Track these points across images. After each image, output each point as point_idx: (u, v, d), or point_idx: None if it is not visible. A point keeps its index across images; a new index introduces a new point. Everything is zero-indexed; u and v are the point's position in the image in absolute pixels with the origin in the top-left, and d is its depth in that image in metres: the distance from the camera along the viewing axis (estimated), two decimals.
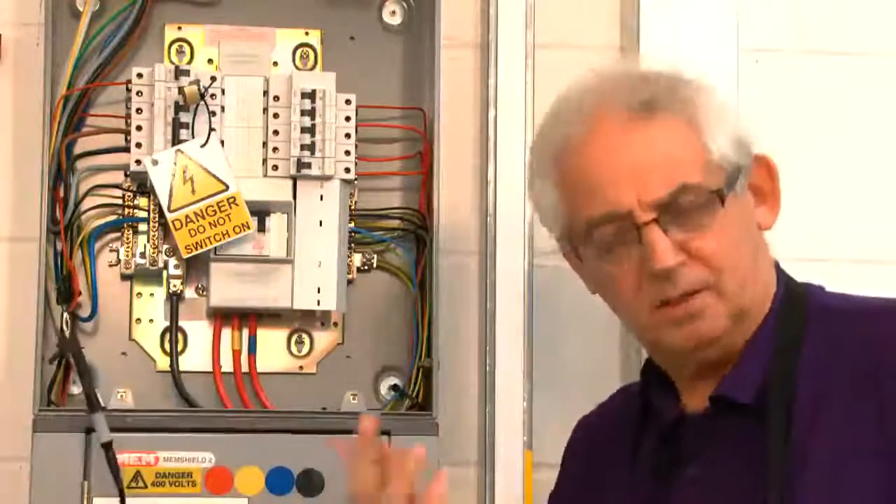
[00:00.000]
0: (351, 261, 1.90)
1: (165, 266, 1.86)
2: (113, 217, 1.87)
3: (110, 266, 1.88)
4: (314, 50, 1.94)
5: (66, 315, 1.83)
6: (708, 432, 1.47)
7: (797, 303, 1.48)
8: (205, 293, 1.87)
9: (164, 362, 1.87)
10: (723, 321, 1.44)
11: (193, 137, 1.83)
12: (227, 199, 1.82)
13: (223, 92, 1.85)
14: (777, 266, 1.52)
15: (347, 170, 1.86)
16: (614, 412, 1.66)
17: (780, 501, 1.37)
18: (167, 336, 1.88)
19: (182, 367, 1.86)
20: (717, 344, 1.45)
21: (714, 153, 1.45)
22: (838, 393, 1.40)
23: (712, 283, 1.43)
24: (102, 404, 1.78)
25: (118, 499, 1.75)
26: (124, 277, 1.88)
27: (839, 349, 1.43)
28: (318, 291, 1.85)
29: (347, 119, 1.86)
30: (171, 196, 1.82)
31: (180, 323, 1.87)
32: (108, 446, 1.75)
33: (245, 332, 1.88)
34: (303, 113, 1.84)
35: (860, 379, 1.40)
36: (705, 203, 1.43)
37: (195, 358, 1.88)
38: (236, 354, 1.88)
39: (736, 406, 1.45)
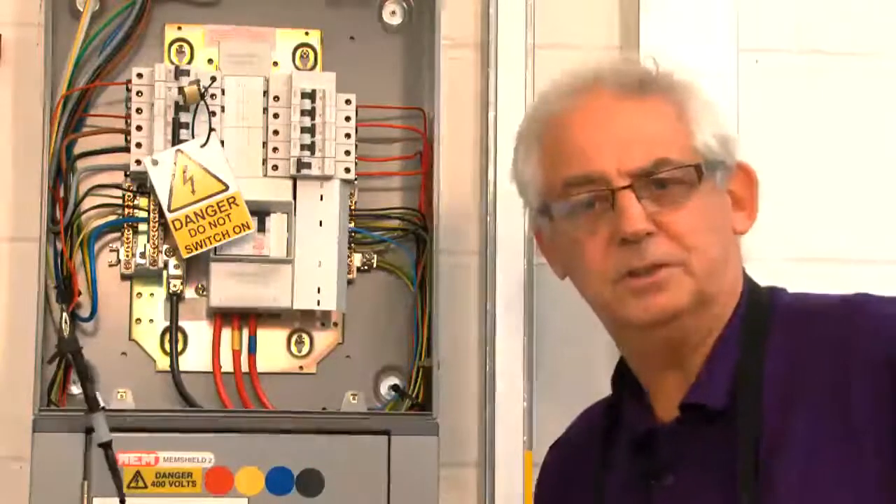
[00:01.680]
0: (351, 261, 1.90)
1: (165, 266, 1.86)
2: (113, 217, 1.87)
3: (110, 266, 1.88)
4: (314, 50, 1.94)
5: (65, 315, 1.82)
6: (682, 440, 1.47)
7: (761, 305, 1.49)
8: (205, 293, 1.87)
9: (164, 362, 1.87)
10: (685, 296, 1.44)
11: (193, 137, 1.83)
12: (227, 199, 1.82)
13: (223, 92, 1.85)
14: (743, 271, 1.53)
15: (347, 170, 1.86)
16: (582, 432, 1.67)
17: None
18: (167, 336, 1.88)
19: (182, 367, 1.86)
20: (676, 322, 1.45)
21: (698, 140, 1.48)
22: (806, 392, 1.41)
23: (682, 260, 1.44)
24: (102, 404, 1.77)
25: (118, 499, 1.75)
26: (124, 277, 1.88)
27: (804, 347, 1.43)
28: (318, 291, 1.85)
29: (347, 119, 1.86)
30: (171, 196, 1.82)
31: (180, 323, 1.87)
32: (107, 446, 1.74)
33: (245, 332, 1.88)
34: (303, 113, 1.84)
35: (827, 376, 1.40)
36: (682, 178, 1.45)
37: (195, 358, 1.88)
38: (236, 354, 1.88)
39: (707, 412, 1.45)
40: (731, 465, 1.40)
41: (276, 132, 1.85)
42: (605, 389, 1.73)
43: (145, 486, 1.78)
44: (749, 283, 1.52)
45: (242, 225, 1.82)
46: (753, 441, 1.40)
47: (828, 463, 1.37)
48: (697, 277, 1.44)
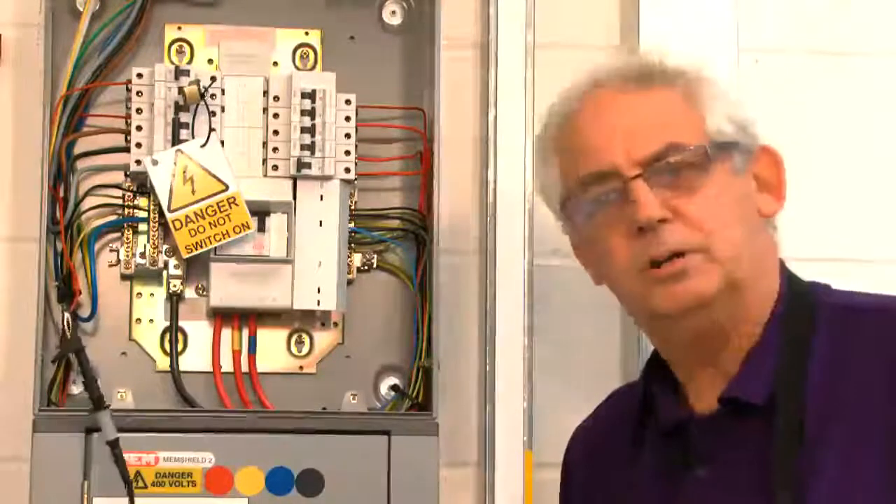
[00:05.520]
0: (351, 261, 1.90)
1: (165, 266, 1.86)
2: (113, 217, 1.87)
3: (110, 266, 1.88)
4: (314, 50, 1.94)
5: (67, 315, 1.82)
6: (717, 433, 1.45)
7: (804, 299, 1.47)
8: (205, 293, 1.87)
9: (164, 362, 1.87)
10: (713, 282, 1.42)
11: (193, 137, 1.83)
12: (227, 199, 1.82)
13: (223, 92, 1.85)
14: (781, 262, 1.52)
15: (347, 170, 1.86)
16: (611, 417, 1.65)
17: None
18: (167, 336, 1.88)
19: (182, 367, 1.86)
20: (706, 309, 1.43)
21: (709, 123, 1.46)
22: (850, 394, 1.39)
23: (702, 246, 1.42)
24: (108, 403, 1.77)
25: (122, 498, 1.75)
26: (124, 277, 1.88)
27: (851, 348, 1.41)
28: (318, 291, 1.85)
29: (347, 119, 1.86)
30: (171, 196, 1.82)
31: (180, 323, 1.87)
32: (114, 444, 1.75)
33: (245, 332, 1.88)
34: (303, 113, 1.84)
35: (872, 380, 1.38)
36: (694, 162, 1.43)
37: (195, 358, 1.88)
38: (236, 354, 1.87)
39: (746, 407, 1.43)
40: (769, 464, 1.39)
41: (276, 132, 1.85)
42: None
43: (145, 486, 1.78)
44: (788, 275, 1.50)
45: (242, 225, 1.82)
46: (794, 443, 1.38)
47: (868, 473, 1.35)
48: (722, 262, 1.42)
